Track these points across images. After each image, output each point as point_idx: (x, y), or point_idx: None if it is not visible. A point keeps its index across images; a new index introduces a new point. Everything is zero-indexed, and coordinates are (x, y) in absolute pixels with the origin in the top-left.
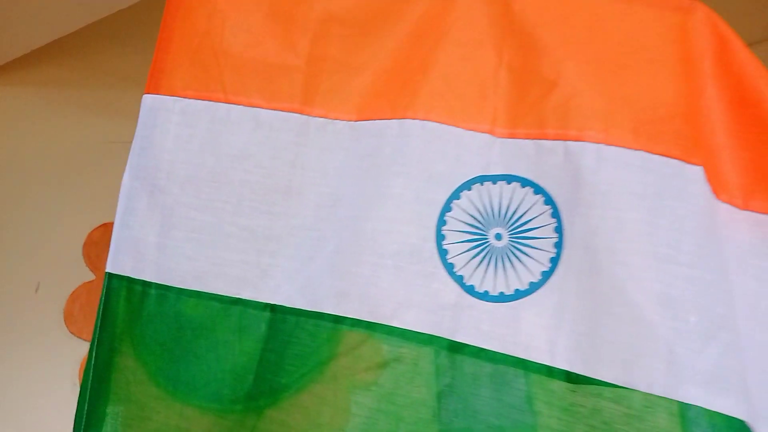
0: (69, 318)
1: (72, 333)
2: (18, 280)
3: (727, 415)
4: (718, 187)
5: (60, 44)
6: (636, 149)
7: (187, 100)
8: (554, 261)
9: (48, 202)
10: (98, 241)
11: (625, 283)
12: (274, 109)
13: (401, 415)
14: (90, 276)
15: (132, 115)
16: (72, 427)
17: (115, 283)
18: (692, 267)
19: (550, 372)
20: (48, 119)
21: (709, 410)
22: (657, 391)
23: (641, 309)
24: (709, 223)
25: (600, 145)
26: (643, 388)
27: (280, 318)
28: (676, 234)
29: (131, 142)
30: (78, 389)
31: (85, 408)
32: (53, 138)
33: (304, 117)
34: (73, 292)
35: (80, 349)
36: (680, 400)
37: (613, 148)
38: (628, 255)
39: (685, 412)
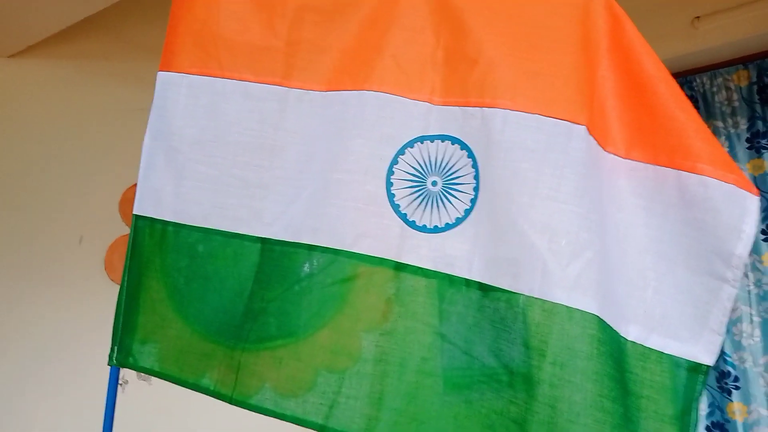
0: (109, 266)
1: (111, 280)
2: (63, 234)
3: (583, 311)
4: (607, 140)
5: (92, 20)
6: (533, 113)
7: (192, 76)
8: (473, 201)
9: (87, 164)
10: (132, 199)
11: (516, 217)
12: (261, 83)
13: (360, 317)
14: (126, 230)
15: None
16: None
17: (140, 223)
18: (567, 203)
19: (468, 283)
20: (84, 88)
21: (570, 307)
22: (535, 294)
23: (527, 236)
24: (586, 171)
25: (507, 110)
26: (526, 293)
27: (268, 248)
28: (557, 179)
29: None
30: None
31: (121, 319)
32: (90, 106)
33: (285, 89)
34: (112, 243)
35: None
36: (550, 300)
37: (516, 113)
38: (520, 196)
39: (553, 308)
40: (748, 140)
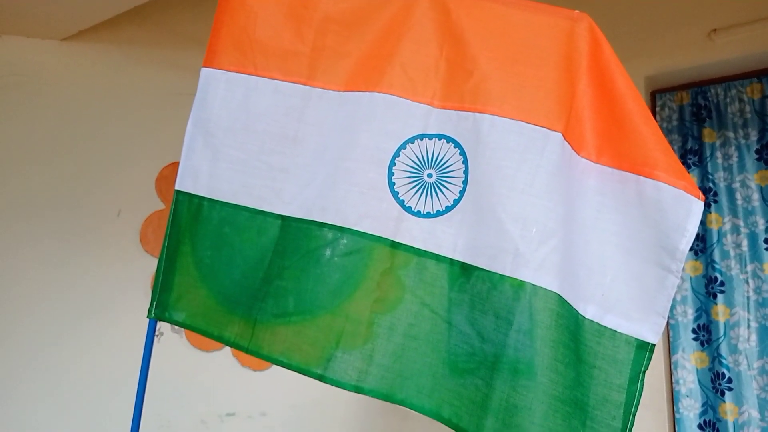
0: (144, 239)
1: (146, 251)
2: (103, 206)
3: (546, 288)
4: (582, 146)
5: (140, 10)
6: (516, 120)
7: (230, 73)
8: (461, 192)
9: (128, 142)
10: (168, 177)
11: (496, 207)
12: (288, 81)
13: (359, 286)
14: (161, 205)
15: (196, 70)
16: (146, 314)
17: (180, 197)
18: (538, 197)
19: (452, 262)
20: (129, 72)
21: (535, 284)
22: (507, 273)
23: (503, 223)
24: (557, 171)
25: (494, 116)
26: (500, 271)
27: (286, 224)
28: (531, 176)
29: (194, 94)
30: (149, 296)
31: (160, 279)
32: (134, 89)
33: (308, 87)
34: (147, 217)
35: (152, 264)
36: (519, 278)
37: (502, 119)
38: (500, 188)
39: (521, 285)
40: (757, 151)
